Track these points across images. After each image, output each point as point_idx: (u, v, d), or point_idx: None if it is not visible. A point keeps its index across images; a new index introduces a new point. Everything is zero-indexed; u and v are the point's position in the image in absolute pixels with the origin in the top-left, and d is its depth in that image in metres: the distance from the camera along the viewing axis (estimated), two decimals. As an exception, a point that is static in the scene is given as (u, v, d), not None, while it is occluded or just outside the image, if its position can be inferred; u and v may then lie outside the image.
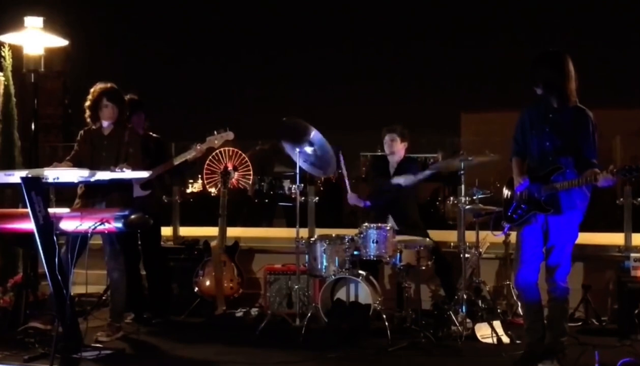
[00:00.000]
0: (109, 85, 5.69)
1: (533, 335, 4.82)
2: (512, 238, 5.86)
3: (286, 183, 7.05)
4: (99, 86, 5.69)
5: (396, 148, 6.40)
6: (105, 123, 5.69)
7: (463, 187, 5.71)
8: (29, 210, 4.66)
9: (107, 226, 4.74)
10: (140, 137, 5.90)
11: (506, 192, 4.96)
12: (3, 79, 7.05)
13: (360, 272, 5.90)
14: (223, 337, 5.85)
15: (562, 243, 4.70)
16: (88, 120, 5.73)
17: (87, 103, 5.70)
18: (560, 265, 4.71)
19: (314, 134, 6.02)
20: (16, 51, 6.75)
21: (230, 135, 6.36)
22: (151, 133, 6.44)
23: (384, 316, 5.54)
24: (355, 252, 5.90)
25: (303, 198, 6.52)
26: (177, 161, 6.26)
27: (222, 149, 7.41)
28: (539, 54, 4.75)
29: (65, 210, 5.09)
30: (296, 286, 6.21)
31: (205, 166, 8.48)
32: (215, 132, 6.33)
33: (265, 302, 6.71)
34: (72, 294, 5.07)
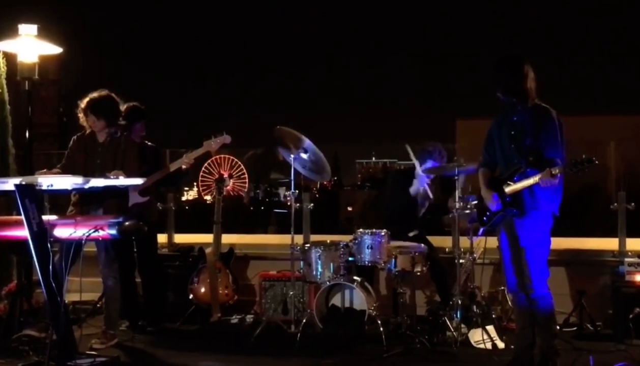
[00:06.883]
0: (95, 95, 5.63)
1: (522, 341, 4.82)
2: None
3: (281, 191, 7.05)
4: (88, 96, 5.65)
5: None
6: (99, 131, 5.66)
7: (457, 192, 5.72)
8: (22, 217, 4.65)
9: (101, 233, 4.73)
10: (136, 144, 5.87)
11: (477, 203, 5.02)
12: (-4, 85, 7.05)
13: (355, 277, 5.91)
14: (218, 344, 5.85)
15: (531, 245, 4.62)
16: (83, 125, 5.69)
17: (78, 110, 5.66)
18: (532, 269, 4.60)
19: (307, 142, 6.01)
20: (10, 59, 6.75)
21: (227, 139, 6.34)
22: (147, 142, 6.42)
23: (379, 322, 5.55)
24: (350, 258, 5.90)
25: (298, 204, 6.51)
26: (174, 167, 6.25)
27: (217, 157, 7.42)
28: (497, 60, 4.79)
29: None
30: (291, 293, 6.21)
31: (201, 174, 8.48)
32: (213, 137, 6.32)
33: (261, 309, 6.70)
34: (66, 301, 5.06)
